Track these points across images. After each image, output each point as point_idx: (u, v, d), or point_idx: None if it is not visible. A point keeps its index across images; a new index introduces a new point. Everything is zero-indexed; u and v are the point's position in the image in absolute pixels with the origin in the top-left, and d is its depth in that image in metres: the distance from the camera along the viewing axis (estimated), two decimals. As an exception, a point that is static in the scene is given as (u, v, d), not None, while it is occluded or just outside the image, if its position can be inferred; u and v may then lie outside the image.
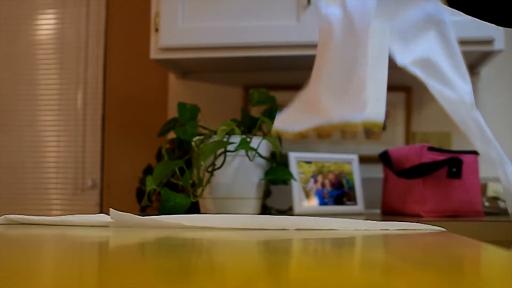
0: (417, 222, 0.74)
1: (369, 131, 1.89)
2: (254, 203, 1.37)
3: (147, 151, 1.90)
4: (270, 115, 1.49)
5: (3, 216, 0.76)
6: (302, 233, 0.66)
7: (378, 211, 1.66)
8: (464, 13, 0.75)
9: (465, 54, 1.73)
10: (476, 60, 1.77)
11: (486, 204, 1.55)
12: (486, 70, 1.88)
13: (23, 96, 2.20)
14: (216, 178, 1.32)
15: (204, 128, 1.44)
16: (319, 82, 0.62)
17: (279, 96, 1.62)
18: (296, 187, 1.47)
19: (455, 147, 1.84)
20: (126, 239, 0.63)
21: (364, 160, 1.78)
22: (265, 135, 1.46)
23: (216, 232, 0.68)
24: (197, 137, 1.35)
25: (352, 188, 1.58)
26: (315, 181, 1.54)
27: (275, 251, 0.53)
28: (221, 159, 1.32)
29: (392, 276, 0.39)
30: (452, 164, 1.40)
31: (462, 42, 1.64)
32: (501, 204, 1.55)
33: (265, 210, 1.55)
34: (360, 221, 0.73)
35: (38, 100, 2.19)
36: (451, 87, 0.62)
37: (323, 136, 1.91)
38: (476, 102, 1.86)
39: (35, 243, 0.59)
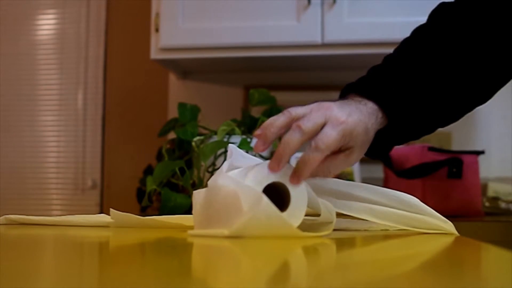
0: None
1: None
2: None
3: (148, 151, 1.89)
4: (271, 115, 1.48)
5: (3, 216, 0.76)
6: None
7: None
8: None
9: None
10: (476, 60, 1.76)
11: (486, 204, 1.55)
12: (486, 70, 1.87)
13: (24, 96, 2.20)
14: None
15: (205, 128, 1.44)
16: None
17: (279, 96, 1.61)
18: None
19: (455, 147, 1.84)
20: (126, 239, 0.63)
21: (364, 160, 1.77)
22: (265, 135, 1.46)
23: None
24: (198, 137, 1.35)
25: (352, 188, 1.57)
26: (315, 181, 1.53)
27: (273, 249, 0.53)
28: (221, 159, 1.32)
29: (392, 276, 0.39)
30: (452, 164, 1.40)
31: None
32: (502, 204, 1.55)
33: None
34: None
35: (39, 100, 2.19)
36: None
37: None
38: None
39: (35, 243, 0.59)
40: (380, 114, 0.71)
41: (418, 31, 0.81)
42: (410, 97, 0.73)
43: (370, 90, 0.72)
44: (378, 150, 0.77)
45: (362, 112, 0.69)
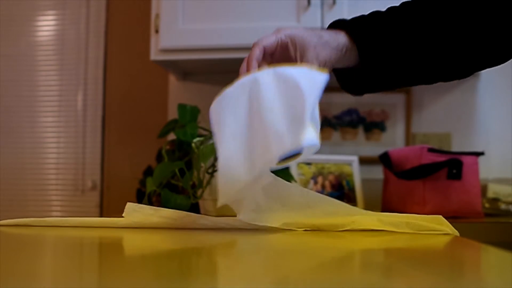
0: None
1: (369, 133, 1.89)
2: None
3: (147, 152, 1.89)
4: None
5: (17, 219, 0.74)
6: (305, 233, 0.66)
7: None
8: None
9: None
10: (476, 61, 1.77)
11: (486, 205, 1.55)
12: (486, 70, 1.87)
13: (24, 97, 2.20)
14: (216, 179, 1.32)
15: (204, 129, 1.44)
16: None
17: (279, 97, 1.61)
18: (296, 188, 1.47)
19: (455, 148, 1.84)
20: (126, 240, 0.63)
21: (364, 161, 1.78)
22: (265, 136, 1.46)
23: (217, 232, 0.68)
24: (197, 139, 1.35)
25: (352, 189, 1.58)
26: (315, 183, 1.54)
27: (270, 250, 0.53)
28: (221, 160, 1.32)
29: (392, 276, 0.39)
30: (452, 165, 1.40)
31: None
32: (501, 206, 1.55)
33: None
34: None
35: (39, 101, 2.19)
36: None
37: (323, 137, 1.91)
38: (476, 102, 1.88)
39: (35, 243, 0.59)
40: (349, 46, 0.75)
41: None
42: (386, 39, 0.75)
43: (348, 23, 0.76)
44: (355, 87, 0.80)
45: (319, 32, 0.74)
